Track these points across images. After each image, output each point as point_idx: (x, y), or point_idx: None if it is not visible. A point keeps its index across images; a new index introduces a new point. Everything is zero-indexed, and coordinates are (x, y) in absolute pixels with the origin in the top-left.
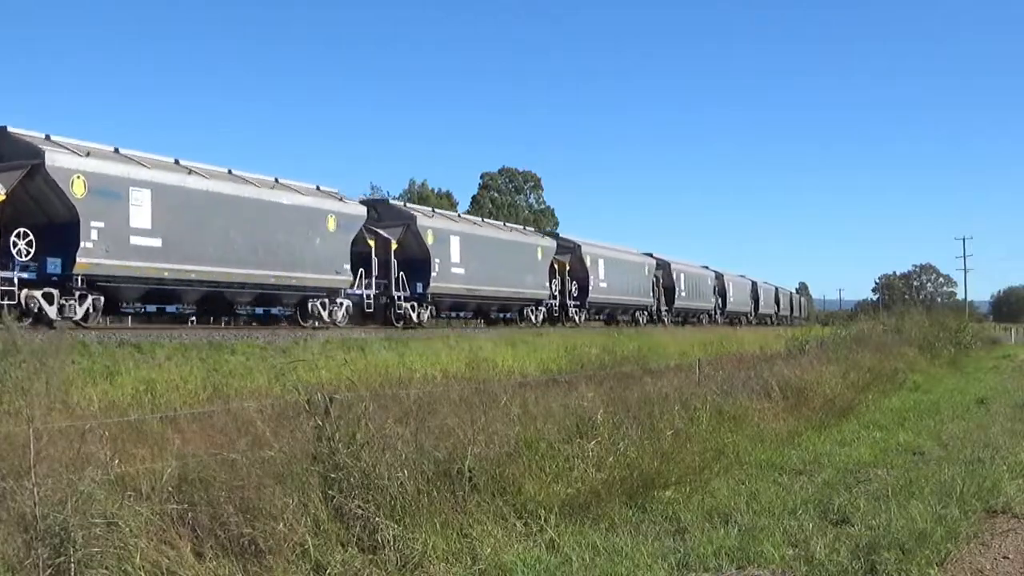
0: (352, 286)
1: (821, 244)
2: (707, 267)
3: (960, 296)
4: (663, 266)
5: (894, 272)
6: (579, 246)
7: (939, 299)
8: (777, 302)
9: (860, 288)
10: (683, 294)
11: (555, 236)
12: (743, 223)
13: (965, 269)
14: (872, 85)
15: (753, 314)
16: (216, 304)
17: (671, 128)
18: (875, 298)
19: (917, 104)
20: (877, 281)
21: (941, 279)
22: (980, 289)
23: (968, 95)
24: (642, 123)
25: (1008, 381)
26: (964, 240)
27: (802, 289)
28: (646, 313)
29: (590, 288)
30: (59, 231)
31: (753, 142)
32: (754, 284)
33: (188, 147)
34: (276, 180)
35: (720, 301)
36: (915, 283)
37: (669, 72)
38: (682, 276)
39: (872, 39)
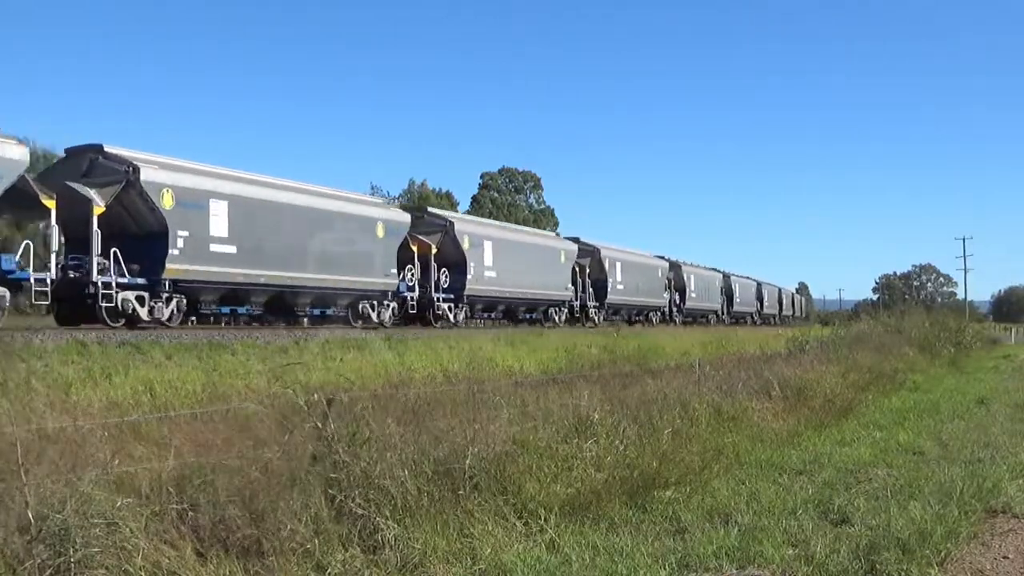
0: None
1: (821, 244)
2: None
3: (960, 296)
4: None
5: (894, 272)
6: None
7: (939, 299)
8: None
9: (860, 288)
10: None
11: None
12: (743, 222)
13: (965, 269)
14: (872, 85)
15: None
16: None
17: (671, 127)
18: (875, 298)
19: (917, 104)
20: (877, 281)
21: (941, 279)
22: (980, 289)
23: (968, 95)
24: (642, 123)
25: (1008, 381)
26: (964, 240)
27: (802, 289)
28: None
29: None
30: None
31: (753, 142)
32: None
33: (188, 147)
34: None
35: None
36: (915, 283)
37: (669, 72)
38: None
39: (872, 39)
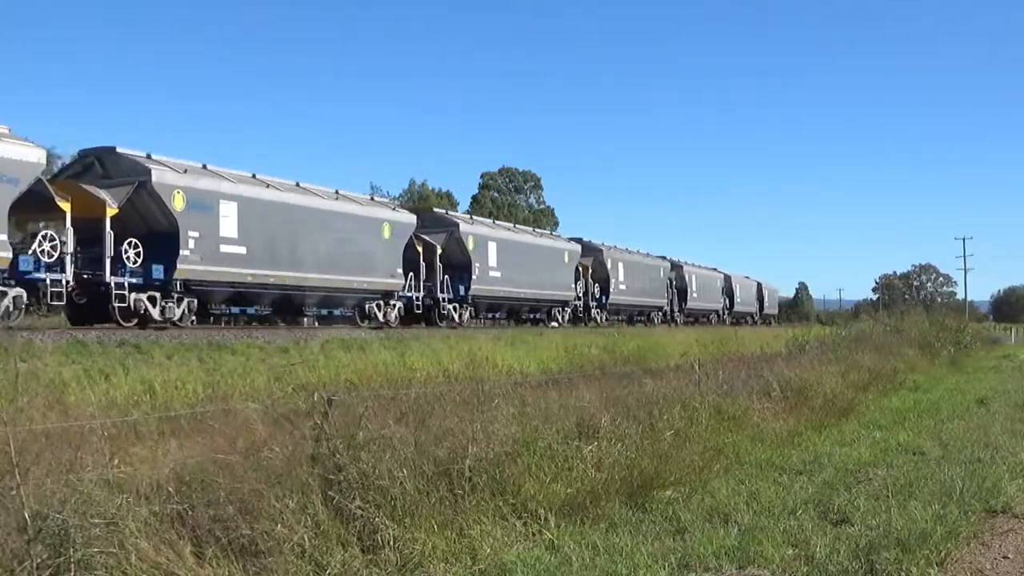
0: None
1: (821, 244)
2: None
3: (960, 296)
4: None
5: (894, 272)
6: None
7: (939, 299)
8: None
9: (860, 288)
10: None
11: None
12: (744, 223)
13: (965, 269)
14: (872, 85)
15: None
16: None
17: (671, 127)
18: (875, 298)
19: (917, 104)
20: (877, 281)
21: (941, 279)
22: (980, 289)
23: (968, 95)
24: (642, 123)
25: (1008, 381)
26: (964, 240)
27: (802, 289)
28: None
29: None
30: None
31: (753, 142)
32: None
33: (187, 147)
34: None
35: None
36: (915, 283)
37: (669, 72)
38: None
39: (872, 39)
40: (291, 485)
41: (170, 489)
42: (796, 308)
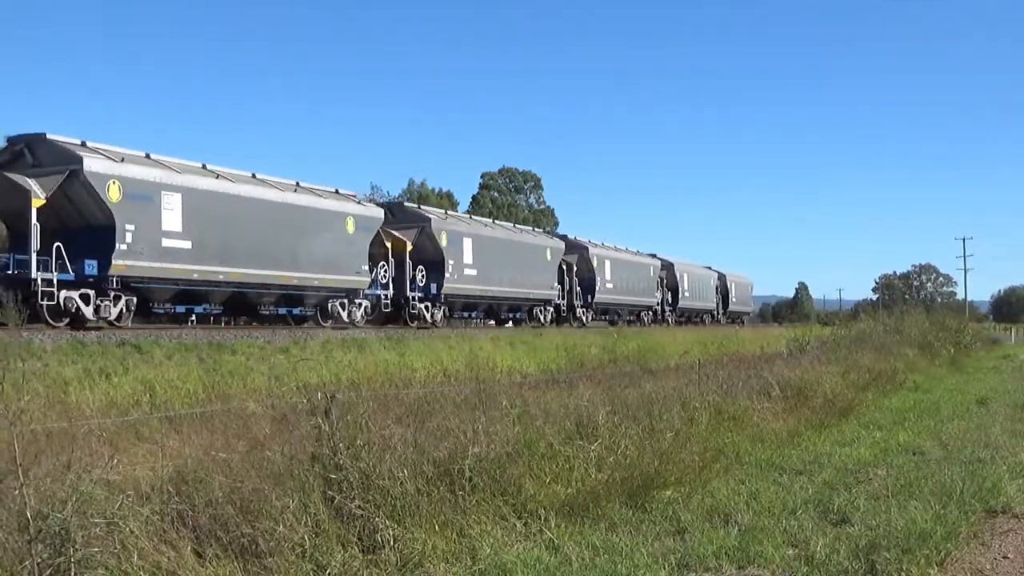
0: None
1: (821, 244)
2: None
3: (960, 296)
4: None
5: (894, 272)
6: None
7: (939, 299)
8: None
9: (860, 288)
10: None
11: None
12: (744, 223)
13: (965, 269)
14: (873, 86)
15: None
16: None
17: (670, 127)
18: (875, 298)
19: (918, 104)
20: (877, 281)
21: (941, 279)
22: (980, 289)
23: (968, 95)
24: (642, 123)
25: (1008, 381)
26: (964, 240)
27: (802, 289)
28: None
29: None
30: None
31: (754, 142)
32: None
33: (188, 147)
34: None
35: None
36: (915, 283)
37: (670, 73)
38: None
39: (872, 39)
40: (292, 485)
41: (170, 489)
42: (796, 308)
